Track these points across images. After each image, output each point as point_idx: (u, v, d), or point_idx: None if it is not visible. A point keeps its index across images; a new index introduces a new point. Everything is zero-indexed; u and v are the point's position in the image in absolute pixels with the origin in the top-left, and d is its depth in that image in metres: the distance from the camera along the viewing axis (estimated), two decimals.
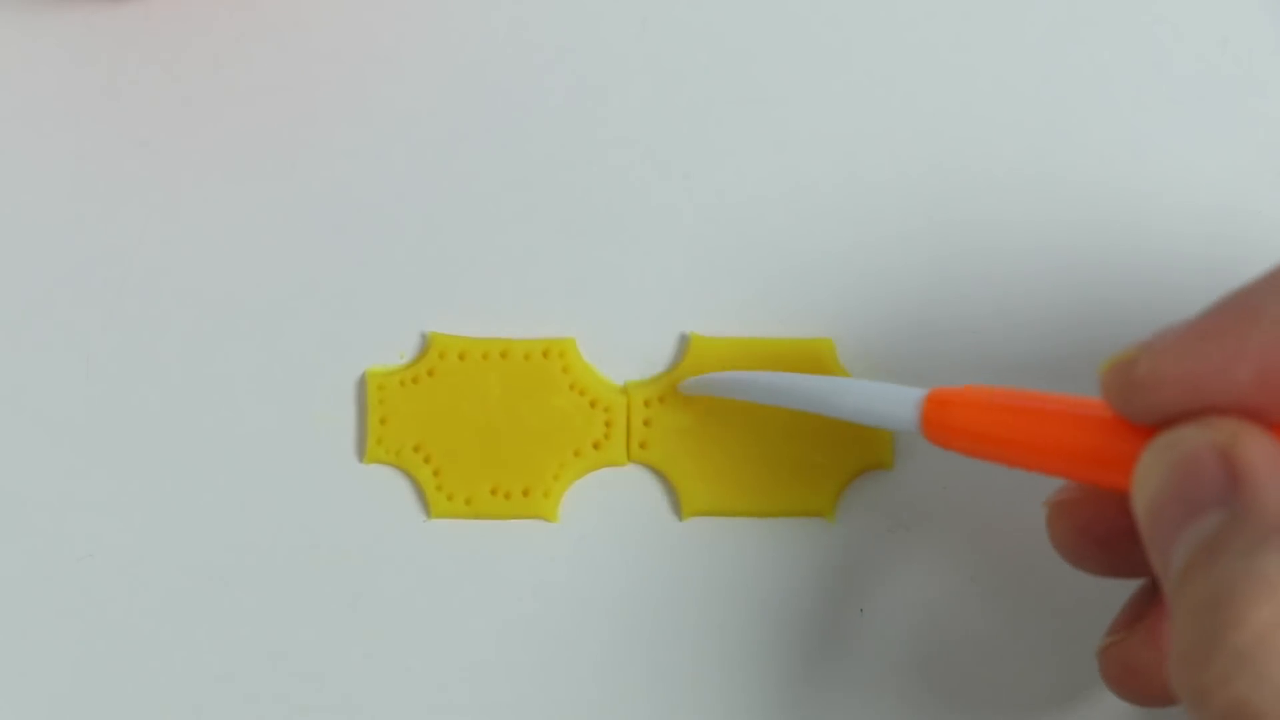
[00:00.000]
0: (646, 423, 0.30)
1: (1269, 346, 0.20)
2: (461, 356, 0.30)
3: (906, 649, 0.29)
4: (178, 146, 0.31)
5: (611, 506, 0.30)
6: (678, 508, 0.30)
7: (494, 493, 0.30)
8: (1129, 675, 0.25)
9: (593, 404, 0.30)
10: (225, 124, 0.31)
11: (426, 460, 0.30)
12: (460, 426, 0.30)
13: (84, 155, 0.31)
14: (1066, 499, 0.25)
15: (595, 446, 0.30)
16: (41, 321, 0.30)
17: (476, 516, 0.30)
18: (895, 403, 0.25)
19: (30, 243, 0.31)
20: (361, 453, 0.30)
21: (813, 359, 0.30)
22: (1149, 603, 0.25)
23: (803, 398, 0.27)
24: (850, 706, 0.29)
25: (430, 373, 0.30)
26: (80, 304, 0.30)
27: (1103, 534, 0.24)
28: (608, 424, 0.30)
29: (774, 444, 0.29)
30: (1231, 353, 0.20)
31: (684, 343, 0.30)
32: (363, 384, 0.30)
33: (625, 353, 0.30)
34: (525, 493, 0.30)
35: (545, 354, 0.30)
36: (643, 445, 0.30)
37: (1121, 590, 0.27)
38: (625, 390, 0.30)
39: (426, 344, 0.30)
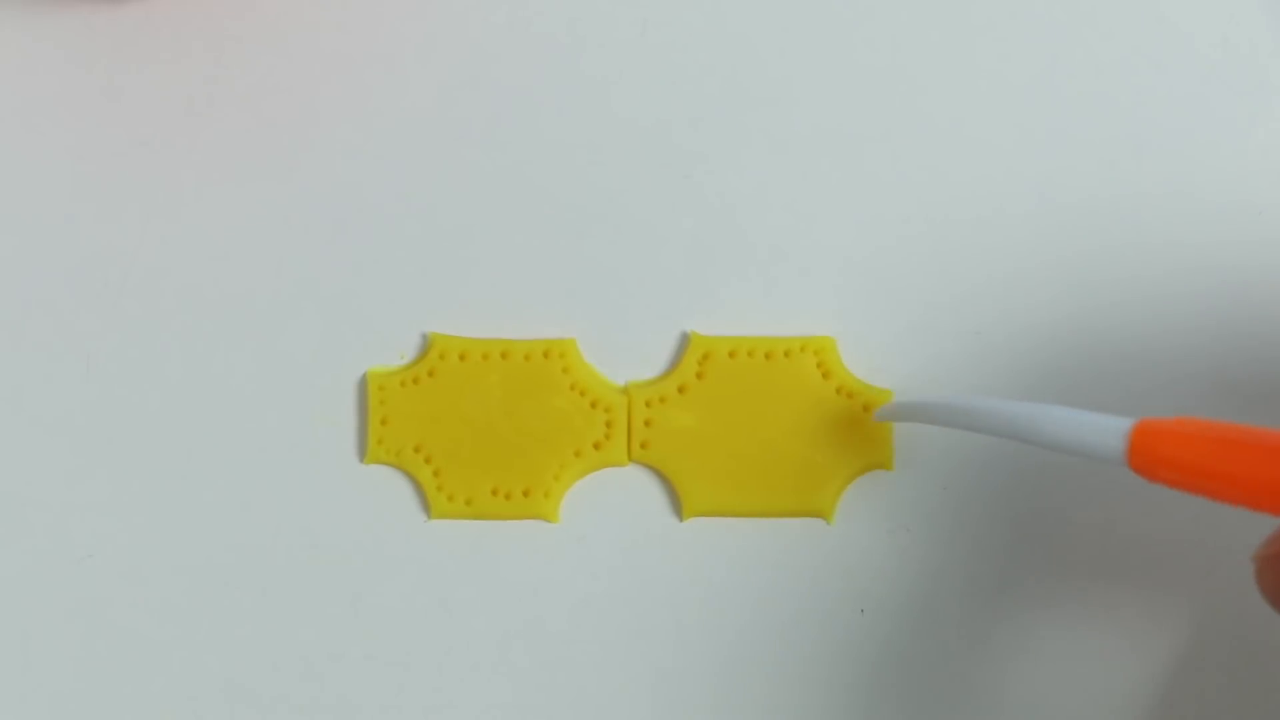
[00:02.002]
0: (647, 423, 0.30)
1: None
2: (462, 357, 0.30)
3: (906, 649, 0.29)
4: (178, 146, 0.31)
5: (612, 507, 0.30)
6: (678, 508, 0.30)
7: (494, 493, 0.30)
8: None
9: (593, 404, 0.30)
10: (225, 124, 0.31)
11: (427, 461, 0.30)
12: (461, 427, 0.30)
13: (84, 155, 0.31)
14: (1276, 551, 0.24)
15: (596, 447, 0.30)
16: (41, 321, 0.30)
17: (477, 517, 0.30)
18: (1102, 433, 0.24)
19: (30, 243, 0.31)
20: (362, 453, 0.30)
21: (815, 357, 0.30)
22: None
23: (1004, 425, 0.26)
24: (850, 706, 0.29)
25: (431, 373, 0.30)
26: (80, 304, 0.30)
27: None
28: (608, 424, 0.30)
29: (774, 444, 0.29)
30: None
31: (684, 343, 0.30)
32: (363, 384, 0.30)
33: (625, 353, 0.30)
34: (526, 493, 0.30)
35: (545, 354, 0.30)
36: (643, 445, 0.30)
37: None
38: (626, 390, 0.30)
39: (427, 344, 0.30)
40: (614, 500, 0.30)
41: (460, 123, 0.31)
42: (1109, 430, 0.24)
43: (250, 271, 0.30)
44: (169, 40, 0.31)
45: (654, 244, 0.30)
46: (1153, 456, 0.23)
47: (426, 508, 0.30)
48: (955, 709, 0.29)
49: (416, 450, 0.30)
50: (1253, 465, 0.22)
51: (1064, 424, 0.25)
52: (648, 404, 0.30)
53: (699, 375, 0.30)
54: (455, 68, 0.31)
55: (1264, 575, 0.24)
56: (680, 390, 0.30)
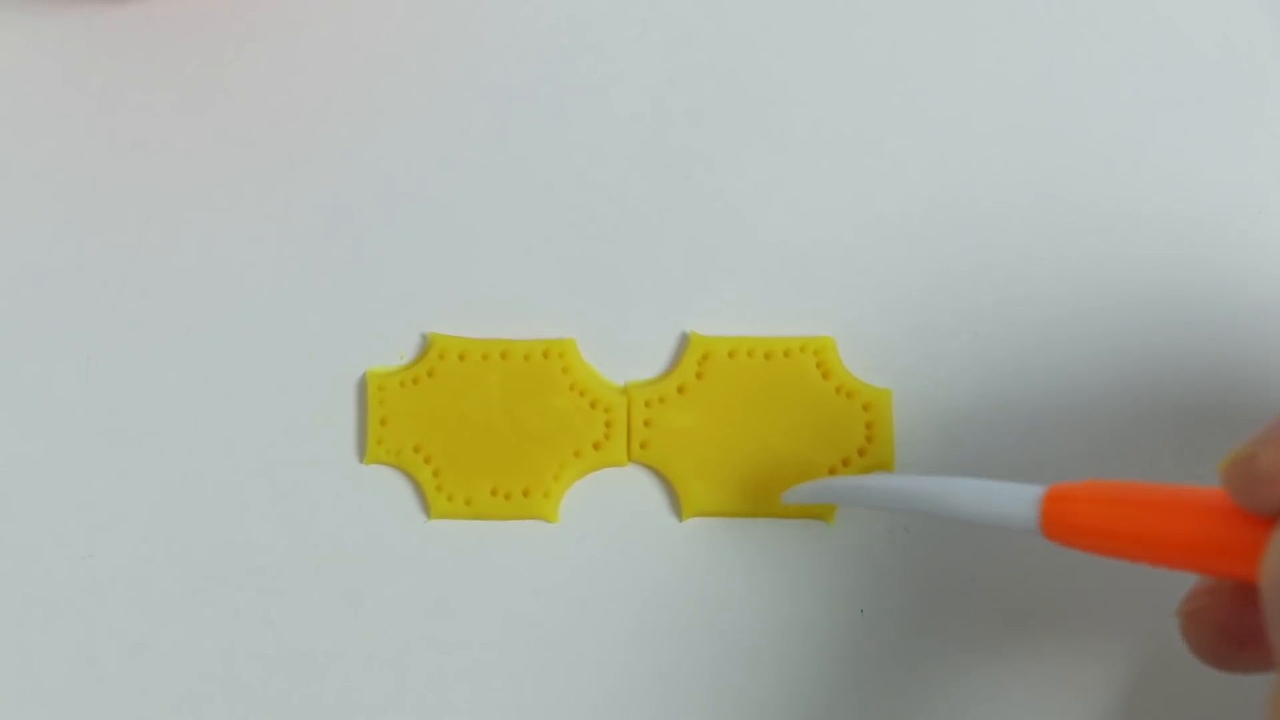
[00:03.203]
0: (647, 423, 0.30)
1: None
2: (461, 357, 0.30)
3: (906, 649, 0.29)
4: (177, 147, 0.31)
5: (611, 507, 0.30)
6: (678, 508, 0.30)
7: (494, 493, 0.30)
8: (1219, 637, 0.24)
9: (593, 404, 0.30)
10: (225, 124, 0.31)
11: (427, 461, 0.30)
12: (460, 427, 0.30)
13: (84, 155, 0.31)
14: (1198, 606, 0.24)
15: (595, 447, 0.30)
16: (41, 321, 0.30)
17: (476, 517, 0.30)
18: (1013, 502, 0.24)
19: (30, 243, 0.31)
20: (362, 453, 0.30)
21: (815, 357, 0.30)
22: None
23: (913, 501, 0.26)
24: (850, 706, 0.29)
25: (430, 373, 0.30)
26: (80, 304, 0.30)
27: (1240, 633, 0.24)
28: (608, 424, 0.30)
29: (774, 444, 0.29)
30: None
31: (684, 342, 0.30)
32: (363, 384, 0.30)
33: (625, 353, 0.30)
34: (525, 493, 0.30)
35: (545, 354, 0.30)
36: (643, 445, 0.30)
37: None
38: (625, 390, 0.30)
39: (426, 344, 0.30)
40: (614, 500, 0.30)
41: (460, 123, 0.31)
42: (1020, 499, 0.24)
43: (250, 271, 0.30)
44: (169, 40, 0.31)
45: (654, 244, 0.30)
46: (1065, 523, 0.23)
47: (426, 508, 0.30)
48: (955, 709, 0.29)
49: (416, 450, 0.30)
50: (1162, 524, 0.22)
51: (976, 496, 0.25)
52: (647, 404, 0.30)
53: (699, 375, 0.30)
54: (455, 68, 0.31)
55: (1188, 630, 0.25)
56: (680, 390, 0.30)
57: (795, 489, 0.29)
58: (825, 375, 0.30)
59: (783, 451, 0.29)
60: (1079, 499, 0.23)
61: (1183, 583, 0.25)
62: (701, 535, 0.30)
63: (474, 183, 0.31)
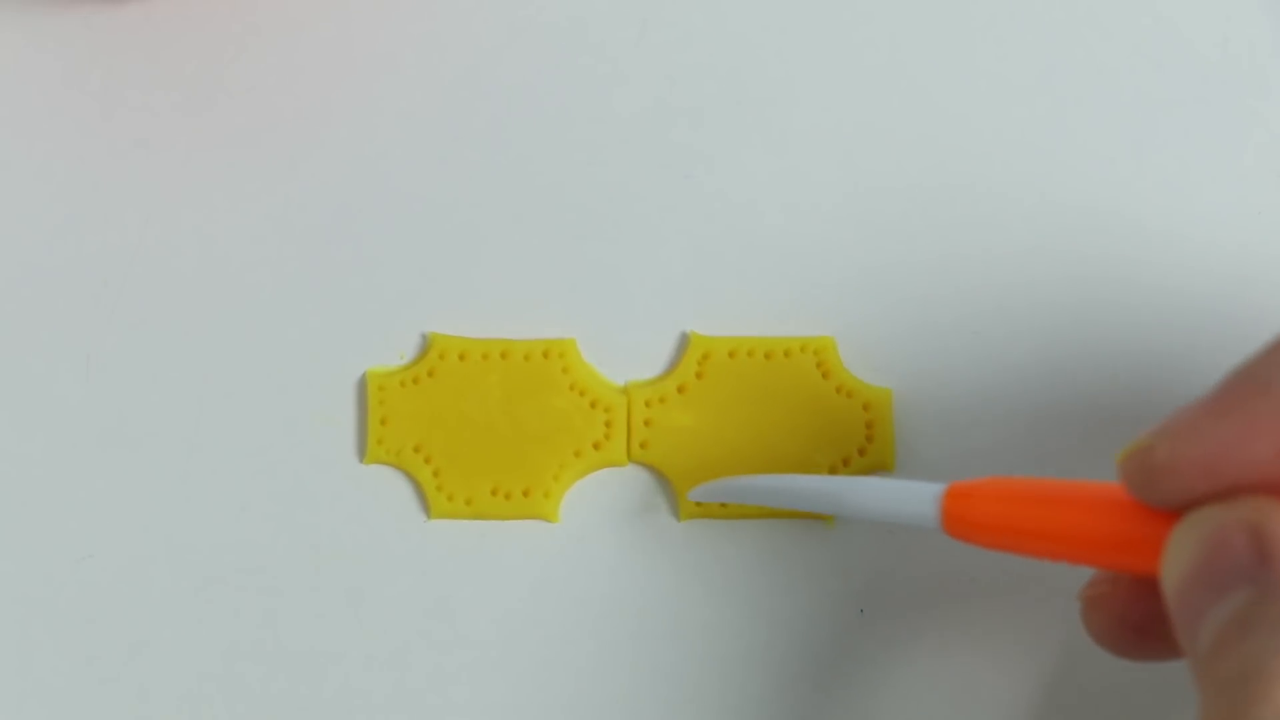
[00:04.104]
0: (647, 423, 0.30)
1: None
2: (461, 357, 0.30)
3: (906, 649, 0.29)
4: (177, 146, 0.31)
5: (612, 507, 0.30)
6: (677, 508, 0.30)
7: (494, 493, 0.30)
8: (1120, 626, 0.24)
9: (593, 404, 0.30)
10: (225, 124, 0.31)
11: (427, 461, 0.30)
12: (460, 427, 0.30)
13: (84, 155, 0.31)
14: (1099, 593, 0.25)
15: (595, 447, 0.30)
16: (41, 321, 0.30)
17: (476, 517, 0.30)
18: (914, 500, 0.24)
19: (30, 243, 0.31)
20: (362, 453, 0.30)
21: (815, 357, 0.30)
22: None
23: (817, 499, 0.27)
24: (850, 707, 0.29)
25: (430, 373, 0.30)
26: (80, 304, 0.30)
27: (1139, 621, 0.24)
28: (608, 424, 0.30)
29: (774, 444, 0.29)
30: (1247, 430, 0.20)
31: (684, 343, 0.30)
32: (363, 384, 0.30)
33: (625, 353, 0.30)
34: (525, 493, 0.30)
35: (545, 354, 0.30)
36: (643, 445, 0.30)
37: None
38: (625, 390, 0.30)
39: (426, 344, 0.30)
40: (614, 500, 0.30)
41: (460, 123, 0.31)
42: (921, 497, 0.24)
43: (250, 271, 0.30)
44: (169, 40, 0.31)
45: (654, 244, 0.30)
46: (965, 520, 0.24)
47: (426, 507, 0.30)
48: (955, 709, 0.29)
49: (416, 450, 0.30)
50: (1061, 519, 0.22)
51: (878, 495, 0.25)
52: (647, 404, 0.30)
53: (699, 375, 0.30)
54: (455, 68, 0.31)
55: (1089, 617, 0.25)
56: (680, 390, 0.30)
57: (701, 487, 0.29)
58: (825, 375, 0.30)
59: (783, 451, 0.29)
60: (978, 496, 0.24)
61: None
62: (701, 535, 0.30)
63: (474, 183, 0.31)
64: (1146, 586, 0.23)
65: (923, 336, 0.30)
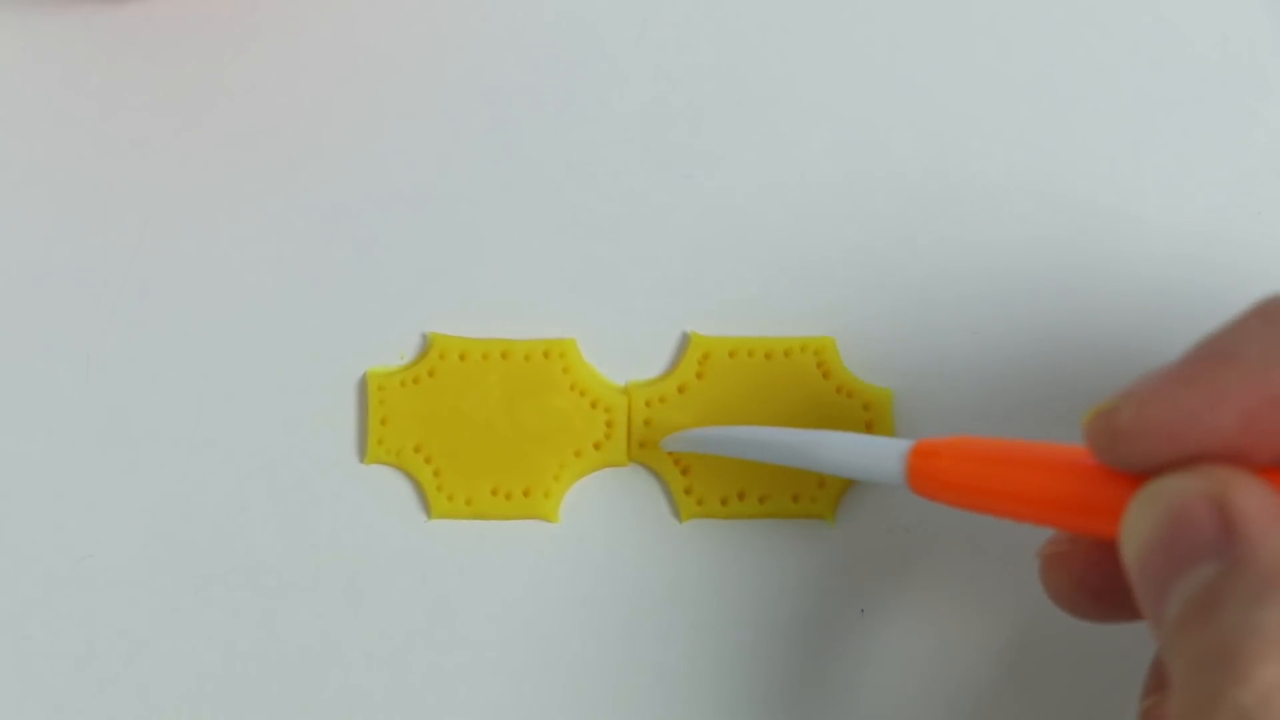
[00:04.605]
0: (647, 423, 0.30)
1: (1250, 389, 0.20)
2: (462, 357, 0.30)
3: (906, 649, 0.29)
4: (177, 147, 0.31)
5: (612, 507, 0.30)
6: (678, 508, 0.30)
7: (494, 493, 0.30)
8: None
9: (593, 404, 0.30)
10: (225, 124, 0.31)
11: (427, 460, 0.30)
12: (461, 427, 0.30)
13: (84, 155, 0.31)
14: (1058, 551, 0.24)
15: (596, 447, 0.30)
16: (41, 321, 0.30)
17: (477, 517, 0.30)
18: (881, 456, 0.25)
19: (30, 243, 0.31)
20: (362, 453, 0.30)
21: (815, 357, 0.30)
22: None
23: (785, 452, 0.26)
24: (850, 707, 0.29)
25: (430, 373, 0.30)
26: (80, 304, 0.30)
27: (1097, 583, 0.24)
28: (608, 424, 0.30)
29: None
30: (1213, 397, 0.20)
31: (684, 342, 0.30)
32: (363, 384, 0.30)
33: (625, 353, 0.30)
34: (526, 493, 0.30)
35: (546, 354, 0.30)
36: (643, 445, 0.30)
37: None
38: (626, 390, 0.30)
39: (426, 344, 0.30)
40: (614, 500, 0.30)
41: (460, 123, 0.31)
42: (887, 453, 0.24)
43: (250, 271, 0.30)
44: (169, 40, 0.31)
45: (654, 244, 0.30)
46: (930, 478, 0.24)
47: (426, 507, 0.30)
48: (955, 709, 0.29)
49: (416, 450, 0.30)
50: (1025, 480, 0.22)
51: (844, 448, 0.25)
52: (648, 404, 0.30)
53: (699, 375, 0.30)
54: (455, 68, 0.31)
55: (1047, 575, 0.25)
56: (680, 390, 0.30)
57: (672, 437, 0.29)
58: (825, 375, 0.30)
59: None
60: (944, 454, 0.23)
61: None
62: (701, 535, 0.30)
63: (474, 183, 0.31)
64: (1105, 550, 0.23)
65: (923, 336, 0.30)
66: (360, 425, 0.30)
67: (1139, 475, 0.21)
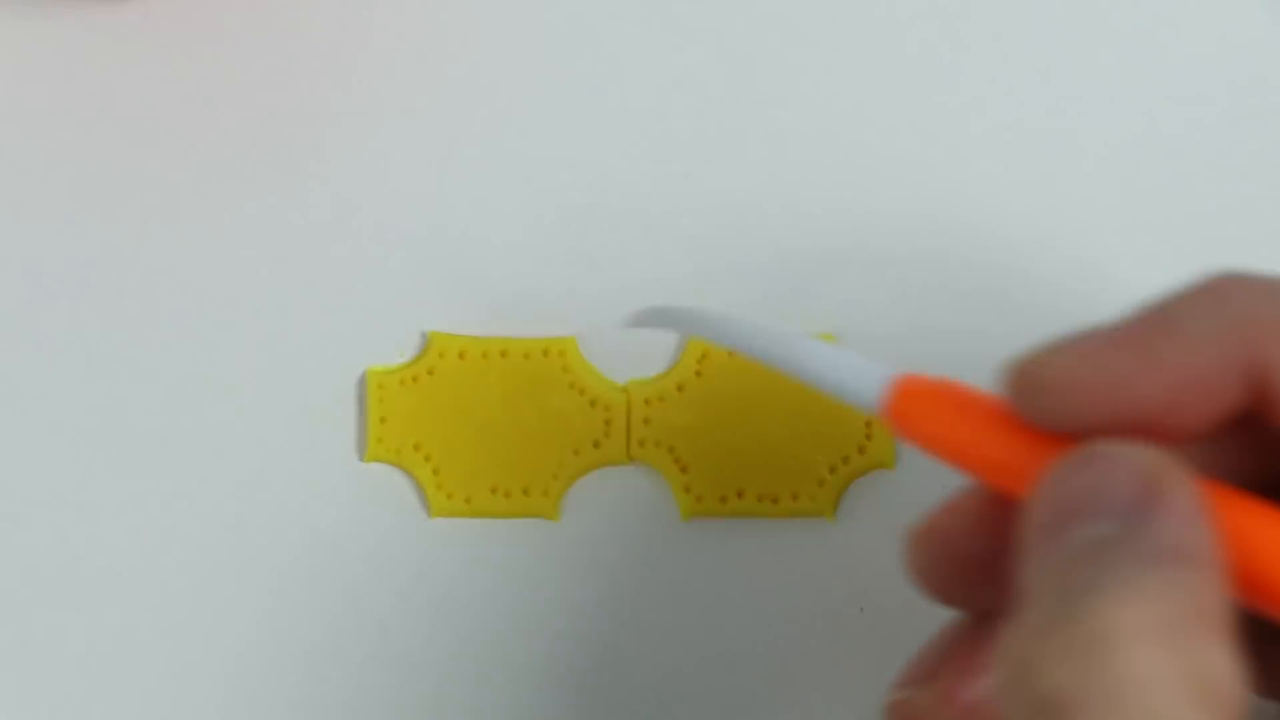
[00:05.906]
0: (646, 422, 0.30)
1: (1185, 363, 0.19)
2: (461, 356, 0.30)
3: (906, 649, 0.29)
4: (177, 146, 0.31)
5: (612, 506, 0.30)
6: (678, 507, 0.30)
7: (494, 491, 0.30)
8: None
9: (593, 403, 0.30)
10: (225, 124, 0.31)
11: (427, 459, 0.30)
12: (460, 425, 0.30)
13: (83, 155, 0.31)
14: (932, 525, 0.23)
15: (595, 445, 0.30)
16: (41, 321, 0.30)
17: (477, 515, 0.30)
18: (860, 377, 0.23)
19: (30, 243, 0.31)
20: (362, 451, 0.30)
21: None
22: (951, 655, 0.24)
23: (764, 347, 0.25)
24: (850, 707, 0.29)
25: (430, 372, 0.30)
26: (80, 304, 0.30)
27: (967, 555, 0.23)
28: (608, 423, 0.30)
29: (774, 442, 0.29)
30: (1147, 365, 0.19)
31: (684, 342, 0.30)
32: (363, 383, 0.30)
33: (625, 352, 0.30)
34: (525, 492, 0.30)
35: (545, 353, 0.30)
36: (643, 444, 0.30)
37: None
38: (625, 389, 0.30)
39: (426, 343, 0.30)
40: (614, 499, 0.30)
41: (460, 122, 0.31)
42: (868, 376, 0.23)
43: (250, 271, 0.30)
44: (169, 40, 0.31)
45: (654, 244, 0.30)
46: (903, 413, 0.22)
47: (426, 506, 0.30)
48: None
49: (416, 448, 0.30)
50: (992, 441, 0.21)
51: (824, 360, 0.24)
52: (647, 403, 0.30)
53: (698, 374, 0.30)
54: (455, 67, 0.31)
55: (911, 552, 0.23)
56: (679, 389, 0.30)
57: (637, 312, 0.28)
58: None
59: (783, 450, 0.29)
60: (926, 393, 0.22)
61: None
62: (701, 535, 0.30)
63: (474, 182, 0.31)
64: (986, 523, 0.22)
65: (923, 336, 0.30)
66: (360, 423, 0.30)
67: (1050, 431, 0.20)
